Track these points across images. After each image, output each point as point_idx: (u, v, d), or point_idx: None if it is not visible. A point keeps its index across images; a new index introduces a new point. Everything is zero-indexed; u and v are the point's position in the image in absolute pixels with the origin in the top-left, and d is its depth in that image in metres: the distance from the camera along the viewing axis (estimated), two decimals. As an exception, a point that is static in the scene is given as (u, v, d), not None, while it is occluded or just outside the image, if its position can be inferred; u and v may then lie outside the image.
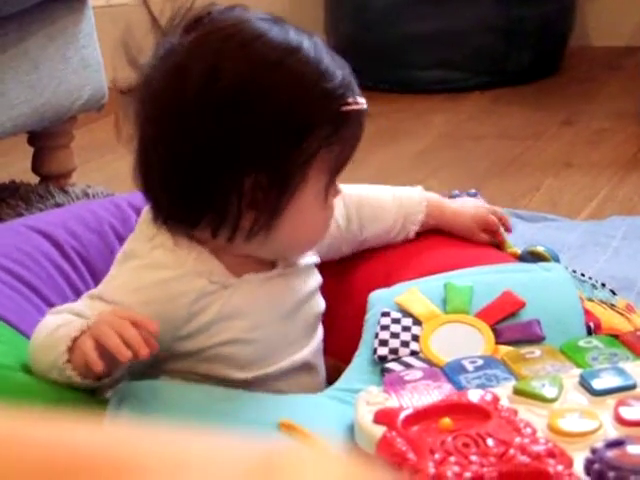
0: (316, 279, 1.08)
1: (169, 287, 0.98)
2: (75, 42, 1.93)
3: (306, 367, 1.06)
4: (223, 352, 1.00)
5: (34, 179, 2.01)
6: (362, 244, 1.17)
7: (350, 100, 0.98)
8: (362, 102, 1.00)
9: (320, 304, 1.08)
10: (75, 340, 0.92)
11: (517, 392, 0.91)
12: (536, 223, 1.79)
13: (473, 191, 1.26)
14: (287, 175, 0.95)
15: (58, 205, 1.87)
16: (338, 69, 0.99)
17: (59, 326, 0.95)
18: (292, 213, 0.97)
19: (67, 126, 1.99)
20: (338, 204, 1.10)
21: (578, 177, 2.03)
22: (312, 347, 1.06)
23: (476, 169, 2.09)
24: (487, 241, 1.17)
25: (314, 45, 0.98)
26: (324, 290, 1.11)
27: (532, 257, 1.16)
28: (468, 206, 1.18)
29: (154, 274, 0.99)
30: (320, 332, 1.08)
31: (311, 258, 1.08)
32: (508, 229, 1.19)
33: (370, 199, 1.16)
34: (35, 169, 2.01)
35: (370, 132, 2.47)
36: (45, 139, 1.99)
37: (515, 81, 2.64)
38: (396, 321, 1.02)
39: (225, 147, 0.95)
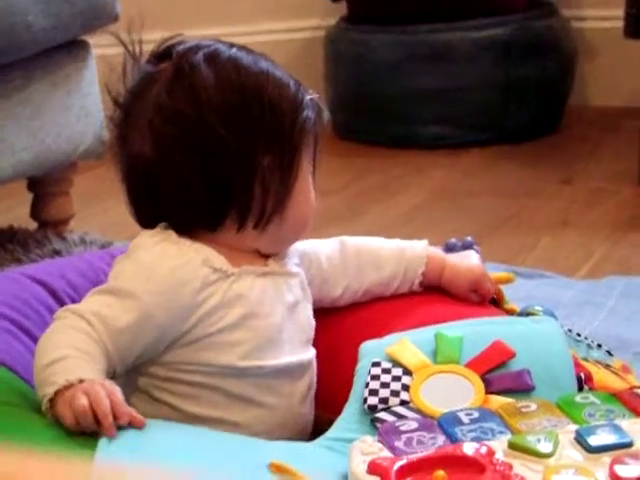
0: (304, 293, 1.12)
1: (177, 275, 1.03)
2: (78, 90, 1.94)
3: (301, 373, 1.09)
4: (223, 339, 1.04)
5: (32, 225, 2.02)
6: (364, 293, 1.19)
7: (307, 91, 1.12)
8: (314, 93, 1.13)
9: (312, 321, 1.13)
10: (58, 393, 0.94)
11: (512, 446, 0.90)
12: (533, 280, 1.79)
13: (469, 239, 1.27)
14: (291, 154, 1.08)
15: (56, 251, 1.87)
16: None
17: (56, 360, 0.96)
18: (297, 190, 1.08)
19: (67, 173, 2.00)
20: (334, 246, 1.19)
21: (575, 236, 2.03)
22: (308, 356, 1.10)
23: (473, 225, 2.10)
24: (478, 301, 1.19)
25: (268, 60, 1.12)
26: (315, 342, 1.12)
27: (528, 316, 1.17)
28: (466, 266, 1.19)
29: (160, 264, 1.03)
30: (313, 351, 1.12)
31: (296, 267, 1.12)
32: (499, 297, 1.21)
33: (371, 247, 1.20)
34: (34, 215, 2.02)
35: (367, 186, 2.51)
36: (45, 185, 2.00)
37: (514, 139, 2.65)
38: (386, 371, 1.03)
39: (237, 143, 1.04)
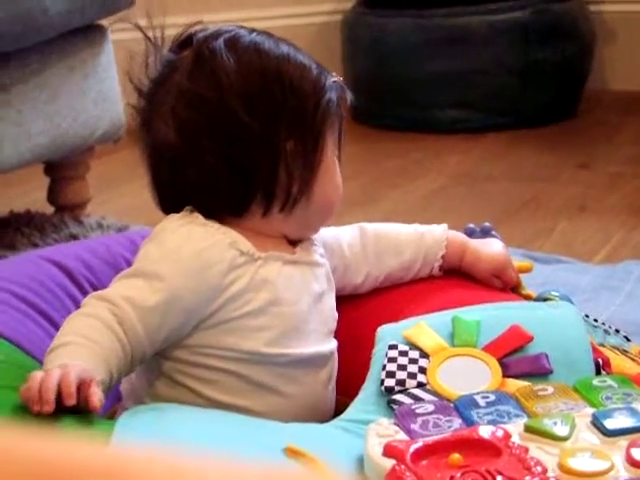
0: (329, 284, 1.12)
1: (204, 257, 1.02)
2: (94, 74, 1.94)
3: (323, 364, 1.08)
4: (248, 324, 1.03)
5: (49, 209, 2.02)
6: (385, 279, 1.19)
7: (330, 74, 1.12)
8: (337, 76, 1.14)
9: (335, 312, 1.12)
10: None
11: (528, 429, 0.90)
12: (550, 265, 1.78)
13: (487, 225, 1.26)
14: (314, 136, 1.07)
15: (72, 235, 1.87)
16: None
17: (59, 345, 0.96)
18: (322, 173, 1.08)
19: (84, 157, 2.00)
20: (354, 233, 1.18)
21: (592, 221, 2.02)
22: (330, 347, 1.10)
23: (490, 210, 2.09)
24: (500, 287, 1.18)
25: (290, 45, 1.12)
26: (336, 328, 1.12)
27: (545, 302, 1.16)
28: (489, 252, 1.18)
29: (187, 245, 1.03)
30: (335, 343, 1.11)
31: (322, 258, 1.12)
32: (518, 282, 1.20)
33: (389, 233, 1.20)
34: (51, 199, 2.02)
35: (385, 170, 2.51)
36: (61, 170, 2.00)
37: (531, 123, 2.64)
38: (403, 353, 1.03)
39: (260, 128, 1.04)
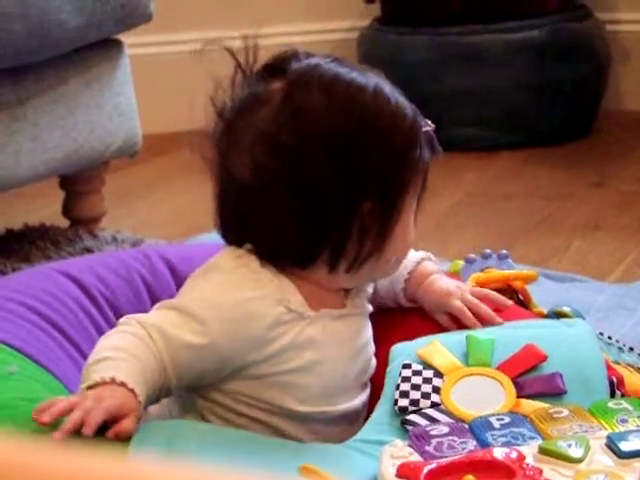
0: (370, 330, 1.09)
1: (247, 308, 0.99)
2: (110, 89, 1.95)
3: (354, 420, 1.06)
4: (288, 380, 1.01)
5: (64, 222, 2.02)
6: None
7: (423, 123, 1.06)
8: (431, 124, 1.08)
9: (373, 359, 1.09)
10: (96, 384, 0.93)
11: (543, 451, 0.90)
12: (564, 283, 1.78)
13: (504, 252, 1.26)
14: (395, 199, 1.01)
15: (87, 249, 1.88)
16: (403, 97, 1.07)
17: (100, 360, 0.95)
18: (396, 234, 1.02)
19: (99, 171, 2.01)
20: None
21: (607, 240, 2.02)
22: (363, 399, 1.07)
23: (505, 228, 2.09)
24: (447, 323, 1.11)
25: (382, 79, 1.07)
26: None
27: (557, 317, 1.16)
28: (440, 287, 1.11)
29: (235, 292, 0.99)
30: (368, 391, 1.09)
31: (369, 306, 1.09)
32: (493, 320, 1.11)
33: None
34: (65, 213, 2.03)
35: (400, 187, 2.48)
36: (77, 183, 2.01)
37: (547, 141, 2.64)
38: (417, 373, 1.02)
39: (340, 184, 0.99)
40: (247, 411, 1.02)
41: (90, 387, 0.93)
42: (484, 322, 1.07)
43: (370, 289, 1.10)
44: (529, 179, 2.42)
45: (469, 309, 1.08)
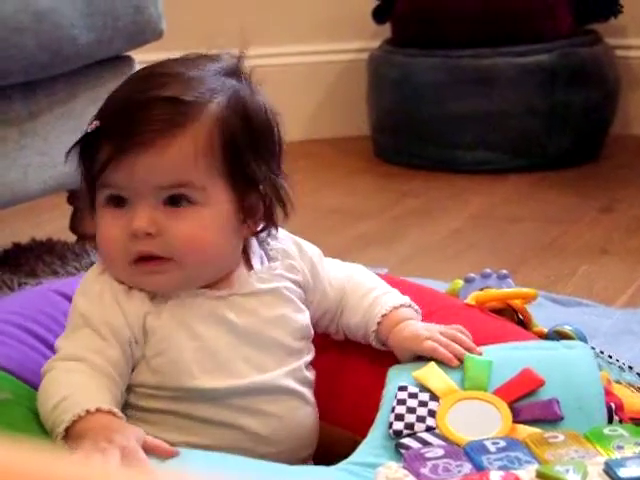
0: (287, 304, 1.09)
1: (120, 297, 1.03)
2: (120, 105, 1.95)
3: (284, 390, 1.06)
4: (164, 361, 1.03)
5: (71, 237, 2.03)
6: (342, 333, 1.16)
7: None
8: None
9: (300, 332, 1.09)
10: (73, 423, 0.94)
11: (540, 476, 0.89)
12: (571, 308, 1.77)
13: (504, 272, 1.26)
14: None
15: (93, 264, 1.88)
16: None
17: (61, 400, 0.96)
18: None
19: (107, 187, 2.01)
20: (343, 276, 1.16)
21: (614, 264, 2.01)
22: (285, 371, 1.07)
23: (511, 251, 2.09)
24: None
25: None
26: (337, 359, 1.11)
27: (558, 336, 1.15)
28: (410, 332, 1.09)
29: (106, 289, 1.03)
30: (302, 360, 1.09)
31: (277, 282, 1.09)
32: (471, 350, 1.08)
33: (360, 291, 1.16)
34: (73, 228, 2.03)
35: (406, 209, 2.51)
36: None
37: (555, 165, 2.64)
38: (413, 396, 1.02)
39: None
40: (156, 404, 1.03)
41: (69, 427, 0.94)
42: (460, 359, 1.07)
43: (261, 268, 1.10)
44: (537, 203, 2.41)
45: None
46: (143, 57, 2.10)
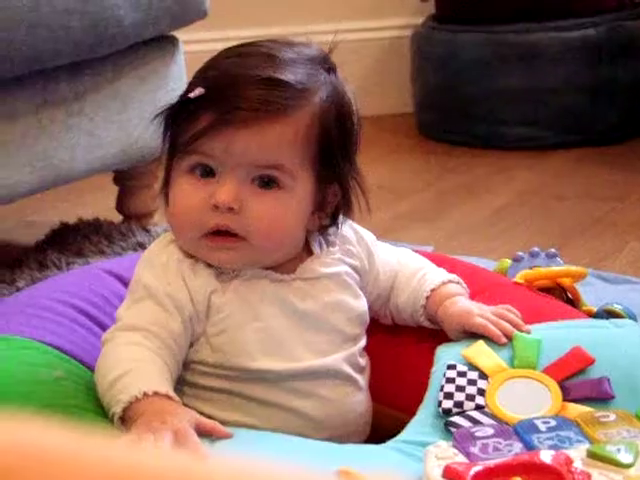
0: (346, 290, 1.09)
1: (185, 271, 1.03)
2: (165, 85, 1.96)
3: (339, 375, 1.06)
4: (226, 339, 1.03)
5: (117, 217, 2.04)
6: (390, 316, 1.16)
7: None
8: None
9: (357, 317, 1.09)
10: (130, 404, 0.94)
11: (592, 455, 0.89)
12: (619, 285, 1.76)
13: (553, 251, 1.25)
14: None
15: (139, 244, 1.89)
16: None
17: (120, 375, 0.96)
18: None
19: (152, 167, 2.02)
20: (393, 261, 1.16)
21: (662, 241, 1.99)
22: (342, 356, 1.07)
23: (558, 228, 2.07)
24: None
25: None
26: (384, 340, 1.11)
27: (607, 315, 1.15)
28: (461, 307, 1.10)
29: (171, 261, 1.04)
30: (357, 346, 1.09)
31: (338, 267, 1.09)
32: (520, 328, 1.08)
33: (406, 272, 1.16)
34: (119, 207, 2.04)
35: (451, 185, 2.50)
36: (130, 179, 2.02)
37: (601, 141, 2.61)
38: (462, 374, 1.02)
39: None
40: (211, 382, 1.04)
41: (124, 409, 0.94)
42: (509, 337, 1.07)
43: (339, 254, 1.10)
44: (583, 179, 2.39)
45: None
46: (188, 36, 2.11)
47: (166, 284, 1.02)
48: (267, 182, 1.02)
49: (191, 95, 1.02)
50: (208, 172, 1.03)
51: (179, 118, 1.04)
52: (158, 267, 1.04)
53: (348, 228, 1.12)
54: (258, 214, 1.01)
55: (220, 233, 1.02)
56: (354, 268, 1.11)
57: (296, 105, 1.02)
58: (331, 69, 1.07)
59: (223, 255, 1.03)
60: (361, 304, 1.10)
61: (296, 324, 1.05)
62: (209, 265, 1.04)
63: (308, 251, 1.09)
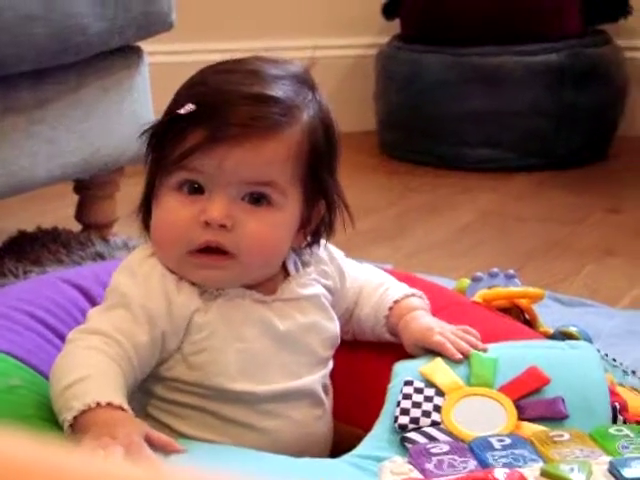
0: (321, 312, 1.09)
1: (168, 285, 1.01)
2: (129, 96, 1.95)
3: (310, 397, 1.06)
4: (206, 359, 1.02)
5: (77, 226, 2.03)
6: (352, 331, 1.16)
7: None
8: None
9: (330, 339, 1.09)
10: (82, 413, 0.93)
11: (545, 474, 0.90)
12: (574, 308, 1.77)
13: (511, 272, 1.26)
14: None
15: (98, 254, 1.88)
16: None
17: (76, 380, 0.95)
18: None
19: (113, 177, 2.01)
20: (359, 276, 1.16)
21: (619, 265, 2.01)
22: (313, 379, 1.07)
23: (517, 249, 2.09)
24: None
25: None
26: (343, 355, 1.11)
27: (563, 336, 1.16)
28: (421, 323, 1.10)
29: (155, 273, 1.02)
30: (327, 368, 1.09)
31: (315, 288, 1.09)
32: (474, 346, 1.08)
33: (367, 284, 1.16)
34: (79, 217, 2.03)
35: (415, 204, 2.51)
36: (91, 188, 2.01)
37: (563, 165, 2.64)
38: (419, 390, 1.02)
39: None
40: (185, 399, 1.02)
41: (75, 417, 0.93)
42: (466, 356, 1.07)
43: (314, 275, 1.10)
44: (544, 202, 2.41)
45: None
46: (153, 48, 2.10)
47: (144, 295, 1.01)
48: (257, 198, 1.01)
49: (181, 111, 1.01)
50: (196, 189, 1.01)
51: (167, 134, 1.03)
52: (139, 277, 1.02)
53: (321, 247, 1.12)
54: (250, 231, 1.00)
55: (208, 250, 1.01)
56: (328, 289, 1.11)
57: (287, 122, 1.01)
58: (314, 86, 1.07)
59: (210, 273, 1.02)
60: (334, 326, 1.10)
61: (275, 346, 1.05)
62: (193, 282, 1.03)
63: (284, 271, 1.08)
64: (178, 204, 1.02)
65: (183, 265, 1.02)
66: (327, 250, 1.13)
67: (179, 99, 1.03)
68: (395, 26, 2.85)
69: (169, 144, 1.02)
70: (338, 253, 1.14)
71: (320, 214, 1.07)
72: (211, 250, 1.01)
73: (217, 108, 1.00)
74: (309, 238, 1.08)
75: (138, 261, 1.04)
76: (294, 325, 1.06)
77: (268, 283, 1.06)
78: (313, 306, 1.08)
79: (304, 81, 1.06)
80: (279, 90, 1.02)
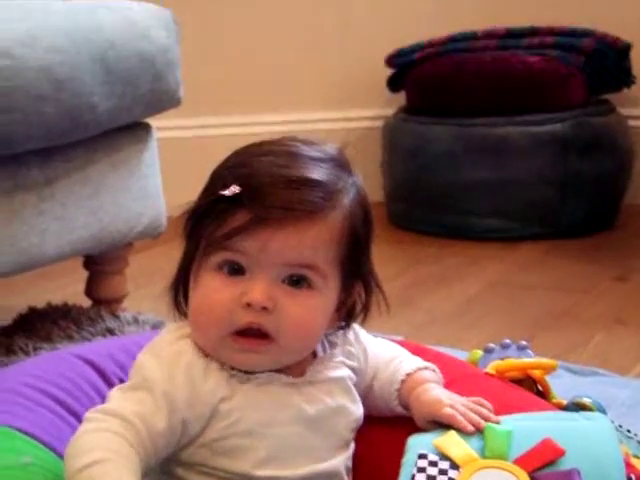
0: (347, 395, 1.09)
1: (195, 372, 1.01)
2: (137, 171, 1.97)
3: (333, 479, 1.05)
4: (237, 444, 1.01)
5: (87, 302, 2.04)
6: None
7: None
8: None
9: (353, 422, 1.09)
10: None
11: None
12: (586, 377, 1.77)
13: (523, 343, 1.26)
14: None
15: (108, 329, 1.88)
16: None
17: (91, 463, 0.94)
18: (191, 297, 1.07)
19: (123, 252, 2.02)
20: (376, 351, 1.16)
21: (629, 334, 2.01)
22: (337, 462, 1.06)
23: (526, 319, 2.09)
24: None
25: None
26: (358, 431, 1.11)
27: (577, 408, 1.15)
28: (431, 396, 1.10)
29: (182, 358, 1.01)
30: (346, 455, 1.08)
31: (342, 371, 1.08)
32: (487, 418, 1.07)
33: (381, 356, 1.16)
34: (88, 292, 2.04)
35: (422, 275, 2.51)
36: (100, 264, 2.02)
37: (569, 234, 2.65)
38: (433, 464, 1.02)
39: None
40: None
41: None
42: (477, 429, 1.06)
43: (342, 357, 1.10)
44: (551, 271, 2.42)
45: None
46: (161, 123, 2.12)
47: (167, 380, 1.00)
48: (297, 281, 1.01)
49: (227, 193, 1.00)
50: (236, 270, 1.01)
51: (209, 214, 1.02)
52: (164, 359, 1.01)
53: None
54: (291, 314, 1.00)
55: (248, 333, 1.00)
56: (353, 369, 1.11)
57: (330, 206, 1.01)
58: (351, 169, 1.07)
59: (249, 357, 1.01)
60: (358, 408, 1.10)
61: (305, 430, 1.04)
62: (221, 366, 1.02)
63: (314, 353, 1.08)
64: (219, 284, 1.01)
65: (222, 348, 1.01)
66: (353, 330, 1.12)
67: (220, 180, 1.03)
68: (401, 98, 2.88)
69: (211, 224, 1.02)
70: (362, 332, 1.14)
71: (354, 297, 1.07)
72: (251, 332, 1.00)
73: (261, 190, 1.00)
74: (343, 321, 1.08)
75: (167, 342, 1.03)
76: (323, 409, 1.05)
77: (296, 365, 1.05)
78: (340, 389, 1.08)
79: (343, 164, 1.06)
80: (321, 174, 1.02)
